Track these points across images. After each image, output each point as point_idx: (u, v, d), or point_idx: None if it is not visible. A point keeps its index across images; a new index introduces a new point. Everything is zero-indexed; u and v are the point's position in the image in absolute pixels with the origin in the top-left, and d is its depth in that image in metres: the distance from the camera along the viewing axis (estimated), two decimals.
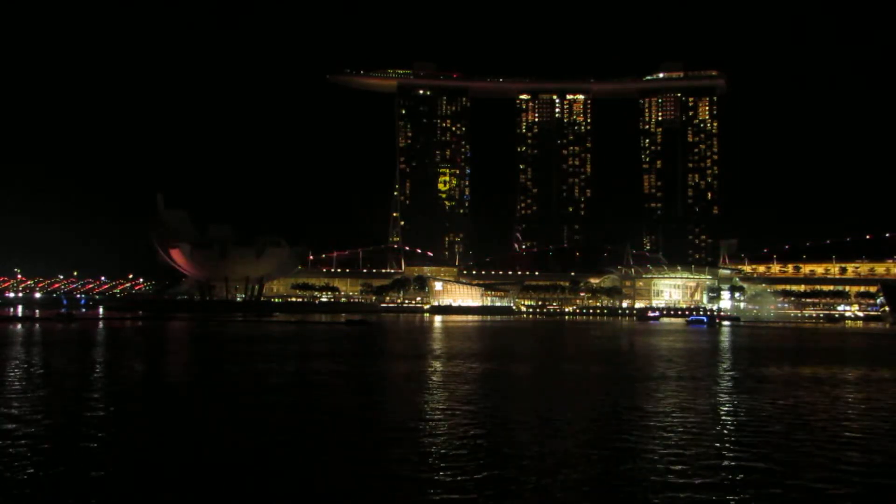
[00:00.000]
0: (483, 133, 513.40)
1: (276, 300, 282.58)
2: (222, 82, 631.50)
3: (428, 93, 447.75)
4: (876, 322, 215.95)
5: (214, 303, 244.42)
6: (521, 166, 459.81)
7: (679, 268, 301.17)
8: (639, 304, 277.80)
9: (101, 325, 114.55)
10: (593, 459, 20.29)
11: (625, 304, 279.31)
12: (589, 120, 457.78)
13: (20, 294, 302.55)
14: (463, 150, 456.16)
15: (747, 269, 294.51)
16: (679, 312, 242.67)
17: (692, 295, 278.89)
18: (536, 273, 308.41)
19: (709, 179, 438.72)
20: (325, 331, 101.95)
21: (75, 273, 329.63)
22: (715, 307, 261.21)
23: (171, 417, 27.13)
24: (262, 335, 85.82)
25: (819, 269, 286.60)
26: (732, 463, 19.93)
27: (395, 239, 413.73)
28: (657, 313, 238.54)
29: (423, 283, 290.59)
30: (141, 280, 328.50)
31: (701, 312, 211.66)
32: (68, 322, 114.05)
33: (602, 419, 26.82)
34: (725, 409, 30.32)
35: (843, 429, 25.19)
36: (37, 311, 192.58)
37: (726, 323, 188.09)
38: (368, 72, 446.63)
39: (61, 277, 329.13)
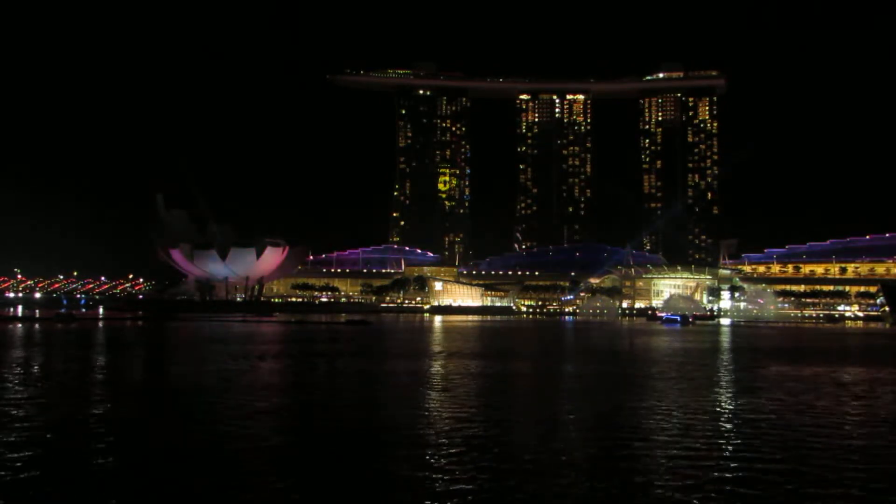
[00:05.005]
0: (483, 133, 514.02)
1: (276, 300, 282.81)
2: (223, 82, 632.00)
3: (428, 93, 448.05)
4: (876, 322, 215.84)
5: (214, 303, 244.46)
6: (521, 166, 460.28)
7: (679, 268, 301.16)
8: (639, 304, 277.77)
9: (100, 325, 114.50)
10: (594, 460, 20.27)
11: (625, 304, 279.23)
12: (589, 120, 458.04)
13: (20, 294, 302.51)
14: (463, 150, 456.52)
15: (747, 269, 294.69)
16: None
17: (692, 295, 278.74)
18: (536, 273, 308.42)
19: (709, 179, 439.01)
20: (325, 330, 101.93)
21: (75, 273, 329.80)
22: (716, 307, 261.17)
23: (170, 418, 27.11)
24: (262, 335, 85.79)
25: (819, 269, 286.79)
26: (733, 464, 19.91)
27: (395, 239, 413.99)
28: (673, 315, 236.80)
29: (423, 283, 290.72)
30: (141, 280, 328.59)
31: (685, 312, 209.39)
32: (68, 322, 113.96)
33: (603, 419, 26.79)
34: (725, 409, 30.30)
35: (845, 428, 25.17)
36: (37, 311, 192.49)
37: (724, 322, 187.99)
38: (368, 72, 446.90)
39: (61, 277, 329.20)
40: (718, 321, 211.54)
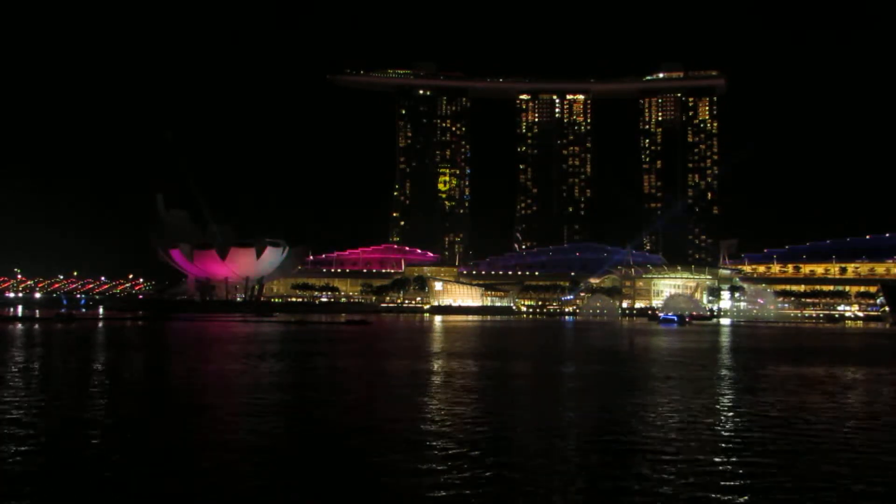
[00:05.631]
0: (483, 133, 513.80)
1: (276, 300, 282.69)
2: (222, 82, 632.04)
3: (428, 93, 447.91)
4: (876, 322, 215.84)
5: (214, 303, 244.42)
6: (521, 166, 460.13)
7: (679, 268, 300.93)
8: (639, 304, 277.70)
9: (100, 325, 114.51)
10: (593, 459, 20.27)
11: (625, 304, 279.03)
12: (589, 120, 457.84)
13: (20, 294, 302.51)
14: (463, 150, 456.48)
15: (747, 269, 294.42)
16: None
17: (692, 295, 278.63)
18: (536, 273, 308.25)
19: (709, 179, 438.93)
20: (325, 330, 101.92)
21: (75, 273, 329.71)
22: (716, 307, 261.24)
23: (170, 417, 27.12)
24: (262, 335, 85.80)
25: (819, 269, 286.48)
26: (734, 465, 19.91)
27: (395, 239, 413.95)
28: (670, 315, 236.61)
29: (423, 283, 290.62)
30: (141, 280, 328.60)
31: (681, 313, 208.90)
32: (68, 322, 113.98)
33: (602, 418, 26.79)
34: (725, 409, 30.29)
35: (846, 428, 25.17)
36: (37, 311, 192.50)
37: (724, 321, 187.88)
38: (368, 72, 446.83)
39: (61, 277, 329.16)
40: (718, 321, 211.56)
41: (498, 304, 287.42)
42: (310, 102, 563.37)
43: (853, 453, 21.00)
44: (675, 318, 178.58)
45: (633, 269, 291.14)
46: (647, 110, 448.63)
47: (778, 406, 30.38)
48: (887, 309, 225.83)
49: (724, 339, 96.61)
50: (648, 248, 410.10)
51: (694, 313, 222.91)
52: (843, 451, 21.33)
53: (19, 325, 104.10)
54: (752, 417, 27.40)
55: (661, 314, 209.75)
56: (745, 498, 16.59)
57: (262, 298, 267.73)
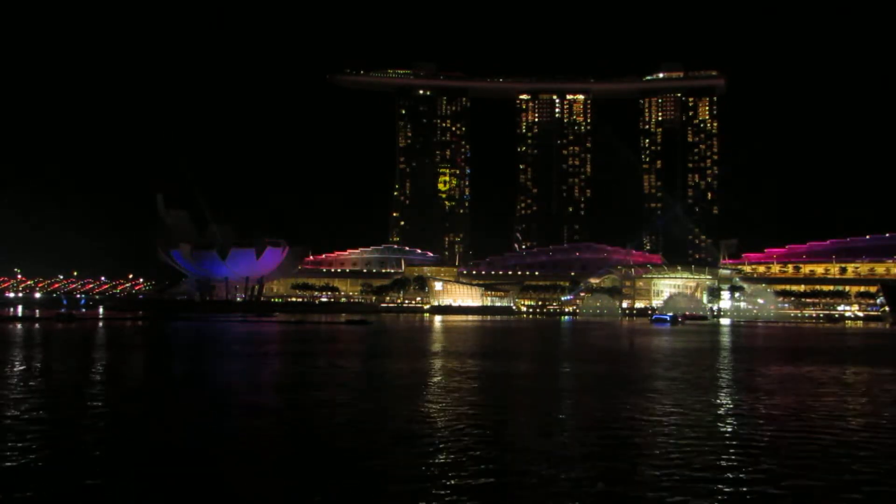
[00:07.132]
0: (483, 133, 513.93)
1: (276, 300, 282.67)
2: (222, 82, 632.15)
3: (428, 93, 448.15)
4: (876, 322, 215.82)
5: (214, 303, 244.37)
6: (521, 166, 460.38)
7: (679, 268, 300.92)
8: (639, 304, 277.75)
9: (100, 325, 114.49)
10: (592, 459, 20.27)
11: (625, 304, 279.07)
12: (589, 120, 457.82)
13: (20, 294, 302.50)
14: (463, 150, 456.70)
15: (747, 269, 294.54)
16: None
17: (692, 295, 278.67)
18: (536, 273, 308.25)
19: (709, 179, 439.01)
20: (324, 330, 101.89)
21: (75, 273, 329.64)
22: (716, 307, 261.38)
23: (169, 417, 27.10)
24: (262, 335, 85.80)
25: (819, 269, 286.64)
26: (734, 465, 19.90)
27: (395, 239, 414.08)
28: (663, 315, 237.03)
29: (423, 283, 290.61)
30: (141, 280, 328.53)
31: (674, 313, 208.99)
32: (68, 322, 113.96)
33: (602, 418, 26.77)
34: (724, 408, 30.29)
35: (847, 428, 25.16)
36: (37, 311, 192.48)
37: (724, 321, 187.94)
38: (368, 72, 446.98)
39: (61, 277, 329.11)
40: (718, 321, 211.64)
41: (498, 304, 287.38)
42: (310, 102, 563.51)
43: (853, 453, 20.98)
44: (668, 318, 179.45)
45: (633, 269, 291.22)
46: (647, 110, 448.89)
47: (777, 405, 30.37)
48: (887, 309, 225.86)
49: (724, 339, 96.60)
50: (648, 248, 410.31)
51: (687, 313, 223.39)
52: (843, 451, 21.32)
53: (19, 325, 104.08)
54: (751, 417, 27.39)
55: (656, 314, 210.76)
56: (745, 498, 16.59)
57: (262, 298, 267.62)
